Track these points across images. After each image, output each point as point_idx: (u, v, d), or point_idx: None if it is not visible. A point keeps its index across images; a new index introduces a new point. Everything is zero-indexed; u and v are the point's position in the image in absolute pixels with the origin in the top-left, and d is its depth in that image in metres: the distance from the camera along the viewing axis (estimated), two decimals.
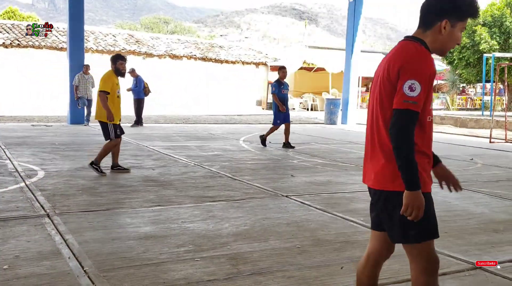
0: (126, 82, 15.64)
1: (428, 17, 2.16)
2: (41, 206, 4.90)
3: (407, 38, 2.22)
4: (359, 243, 4.00)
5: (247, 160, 8.58)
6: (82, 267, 3.28)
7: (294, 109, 28.65)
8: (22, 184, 5.91)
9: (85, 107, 14.65)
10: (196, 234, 4.12)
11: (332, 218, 4.82)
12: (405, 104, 2.00)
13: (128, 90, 14.72)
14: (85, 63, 14.89)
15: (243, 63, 28.08)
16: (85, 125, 14.41)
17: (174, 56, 25.63)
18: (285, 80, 10.54)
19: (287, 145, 10.42)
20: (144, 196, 5.56)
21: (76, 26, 15.08)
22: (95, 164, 6.74)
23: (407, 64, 2.04)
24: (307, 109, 28.91)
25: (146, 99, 15.22)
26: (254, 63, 28.78)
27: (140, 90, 14.80)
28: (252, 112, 24.46)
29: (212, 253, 3.67)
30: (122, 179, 6.50)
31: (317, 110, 27.87)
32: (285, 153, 9.59)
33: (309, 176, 7.13)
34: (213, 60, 27.00)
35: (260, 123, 18.03)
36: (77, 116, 14.80)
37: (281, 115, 10.48)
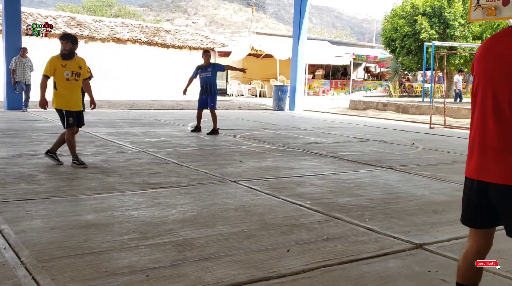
0: None
1: None
2: None
3: None
4: (305, 226, 4.05)
5: (195, 146, 8.48)
6: (19, 258, 3.11)
7: (242, 95, 28.64)
8: None
9: (23, 92, 13.95)
10: (141, 222, 4.02)
11: (280, 202, 4.84)
12: None
13: None
14: (23, 46, 14.17)
15: (190, 48, 27.66)
16: (23, 111, 13.74)
17: (118, 40, 24.85)
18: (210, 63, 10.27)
19: (211, 131, 10.02)
20: (86, 183, 5.37)
21: (12, 7, 14.35)
22: (50, 152, 6.34)
23: None
24: (256, 96, 28.97)
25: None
26: (201, 49, 28.38)
27: None
28: None
29: (157, 240, 3.59)
30: (63, 167, 6.24)
31: (266, 97, 27.99)
32: (234, 139, 9.55)
33: (257, 162, 7.14)
34: (159, 45, 26.40)
35: None
36: (15, 101, 14.09)
37: (199, 99, 10.39)
